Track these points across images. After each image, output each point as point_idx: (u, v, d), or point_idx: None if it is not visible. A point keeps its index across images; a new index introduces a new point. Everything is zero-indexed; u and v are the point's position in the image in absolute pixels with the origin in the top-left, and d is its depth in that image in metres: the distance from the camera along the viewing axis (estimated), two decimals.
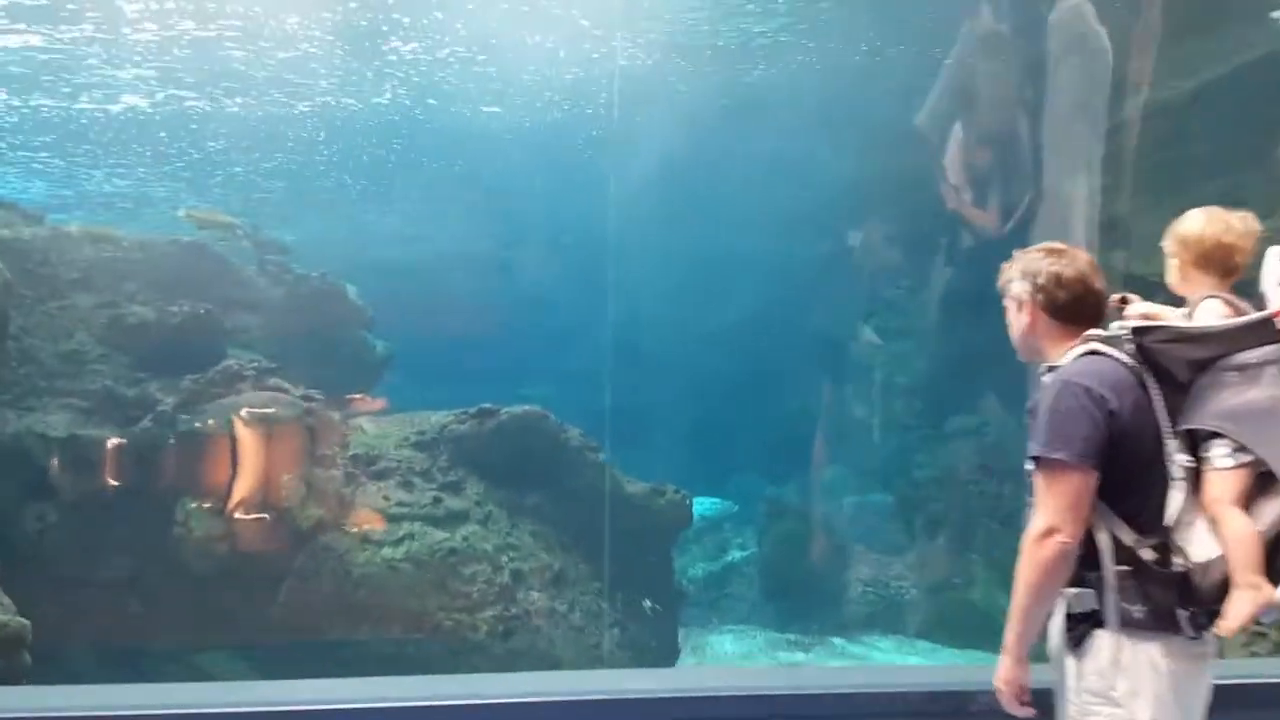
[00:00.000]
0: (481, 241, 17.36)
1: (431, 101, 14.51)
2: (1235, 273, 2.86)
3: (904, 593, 12.40)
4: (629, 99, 13.50)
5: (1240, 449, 2.63)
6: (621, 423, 11.19)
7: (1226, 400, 2.65)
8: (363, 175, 17.15)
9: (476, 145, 15.59)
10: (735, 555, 13.71)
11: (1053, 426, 2.55)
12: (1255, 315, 2.63)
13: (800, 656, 11.66)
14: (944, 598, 11.89)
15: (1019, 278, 2.78)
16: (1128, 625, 2.57)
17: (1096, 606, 2.60)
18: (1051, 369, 2.67)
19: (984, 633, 11.23)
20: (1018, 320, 2.80)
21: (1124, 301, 2.83)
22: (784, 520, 13.50)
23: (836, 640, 12.11)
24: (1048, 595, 2.63)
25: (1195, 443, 2.66)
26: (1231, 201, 8.89)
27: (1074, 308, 2.73)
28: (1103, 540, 2.59)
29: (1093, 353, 2.64)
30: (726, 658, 11.66)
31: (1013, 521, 11.39)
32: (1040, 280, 2.73)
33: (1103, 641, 2.61)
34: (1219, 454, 2.65)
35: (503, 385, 12.70)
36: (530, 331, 17.14)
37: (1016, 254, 2.86)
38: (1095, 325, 2.72)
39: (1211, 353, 2.65)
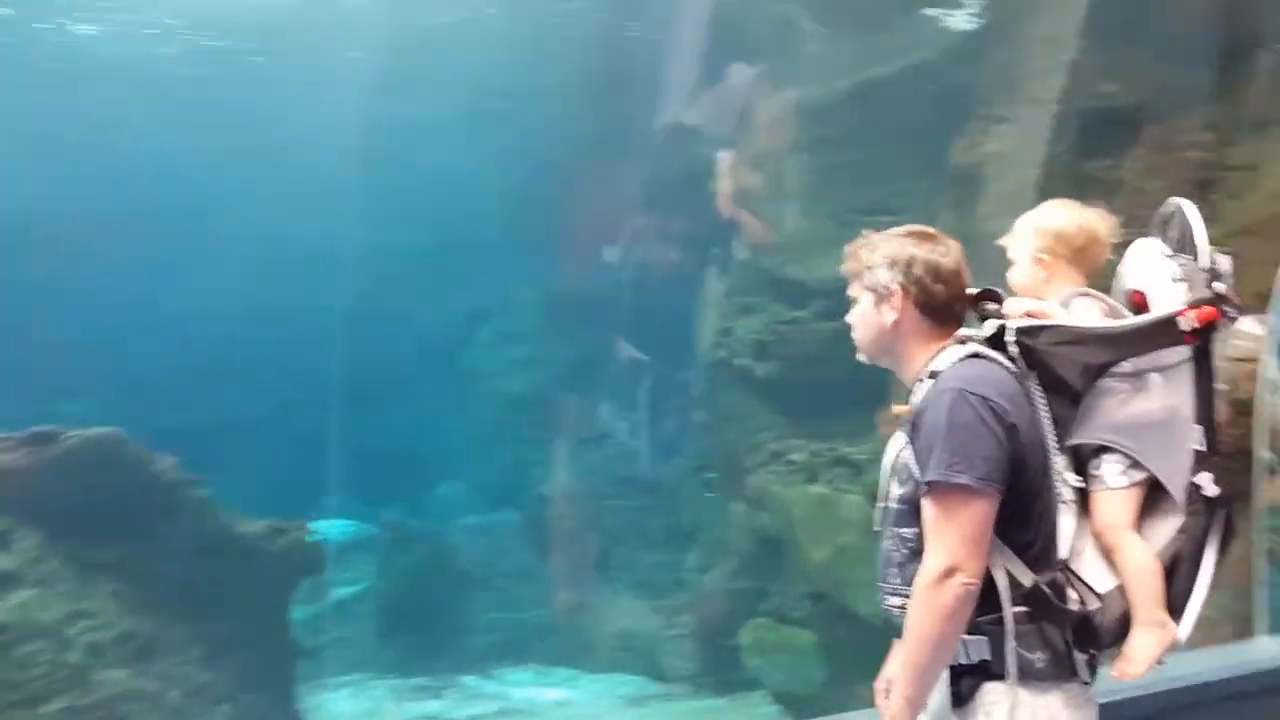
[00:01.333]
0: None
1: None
2: (1100, 272, 2.76)
3: (537, 619, 12.07)
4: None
5: (1134, 465, 2.49)
6: (201, 444, 9.65)
7: (1120, 411, 2.52)
8: None
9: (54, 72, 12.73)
10: (343, 592, 12.45)
11: (951, 444, 2.26)
12: (1159, 314, 2.50)
13: (433, 705, 10.93)
14: (582, 621, 11.78)
15: (883, 265, 2.46)
16: (1026, 676, 2.32)
17: (987, 656, 2.33)
18: (933, 375, 2.36)
19: (628, 655, 11.55)
20: (876, 314, 2.48)
21: (985, 298, 2.55)
22: (404, 548, 12.64)
23: (469, 680, 11.50)
24: (949, 648, 2.32)
25: (1080, 460, 2.50)
26: (886, 210, 9.68)
27: (949, 305, 2.45)
28: (1000, 579, 2.32)
29: (976, 356, 2.37)
30: (345, 719, 10.58)
31: (652, 537, 11.86)
32: (916, 270, 2.43)
33: (995, 696, 2.34)
34: (1112, 472, 2.50)
35: (22, 401, 10.27)
36: (66, 326, 14.17)
37: (873, 236, 2.56)
38: (960, 325, 2.47)
39: (1109, 357, 2.51)
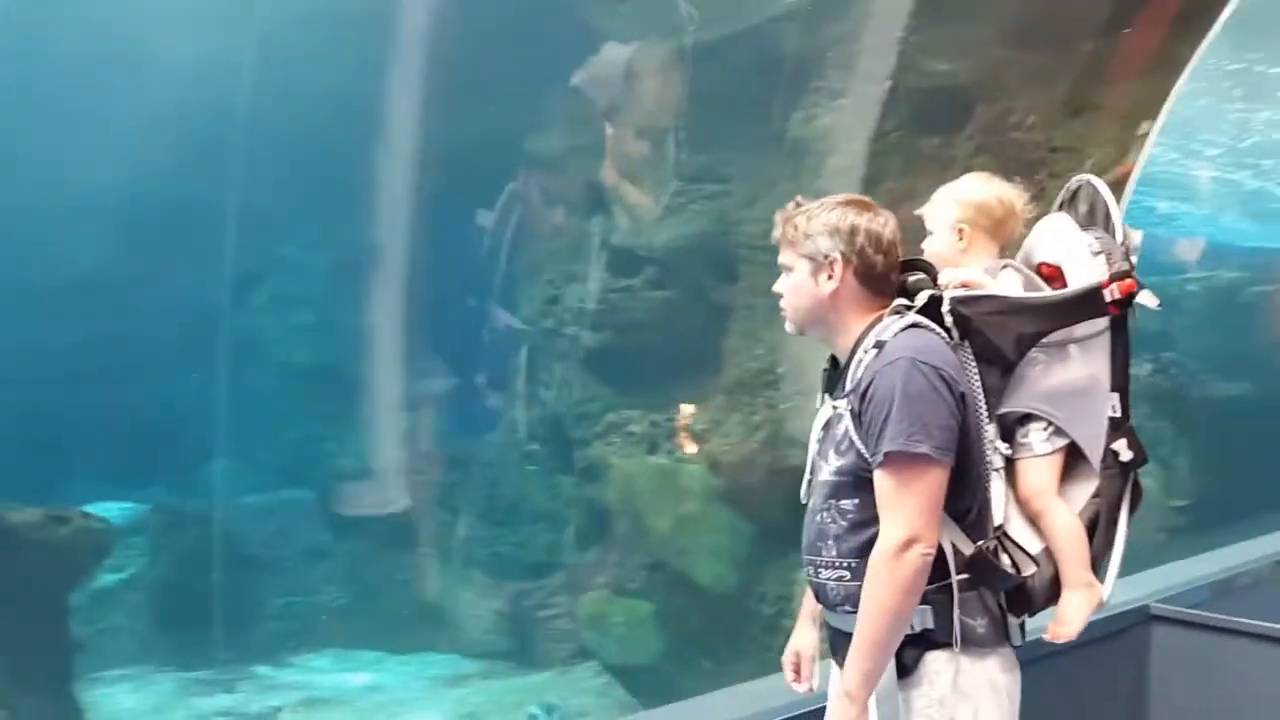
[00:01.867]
0: None
1: None
2: (1014, 245, 2.88)
3: (335, 601, 11.52)
4: None
5: (1057, 432, 2.59)
6: None
7: (1045, 380, 2.60)
8: None
9: None
10: (110, 579, 11.20)
11: (908, 414, 2.30)
12: (1086, 286, 2.60)
13: (225, 700, 10.15)
14: (387, 599, 11.34)
15: (823, 233, 2.46)
16: (968, 643, 2.42)
17: (930, 625, 2.40)
18: (878, 345, 2.39)
19: (440, 634, 11.21)
20: (812, 284, 2.48)
21: (912, 268, 2.61)
22: (177, 530, 11.62)
23: (262, 669, 10.78)
24: (907, 619, 2.36)
25: (1004, 428, 2.61)
26: (717, 178, 9.77)
27: (886, 275, 2.49)
28: (945, 547, 2.39)
29: (916, 326, 2.42)
30: (129, 716, 9.62)
31: (466, 512, 11.48)
32: (859, 240, 2.44)
33: (938, 665, 2.42)
34: (1038, 439, 2.60)
35: None
36: None
37: (806, 203, 2.56)
38: (894, 295, 2.51)
39: (1042, 327, 2.58)
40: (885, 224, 2.49)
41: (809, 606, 2.85)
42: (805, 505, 2.59)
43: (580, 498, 9.95)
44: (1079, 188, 2.87)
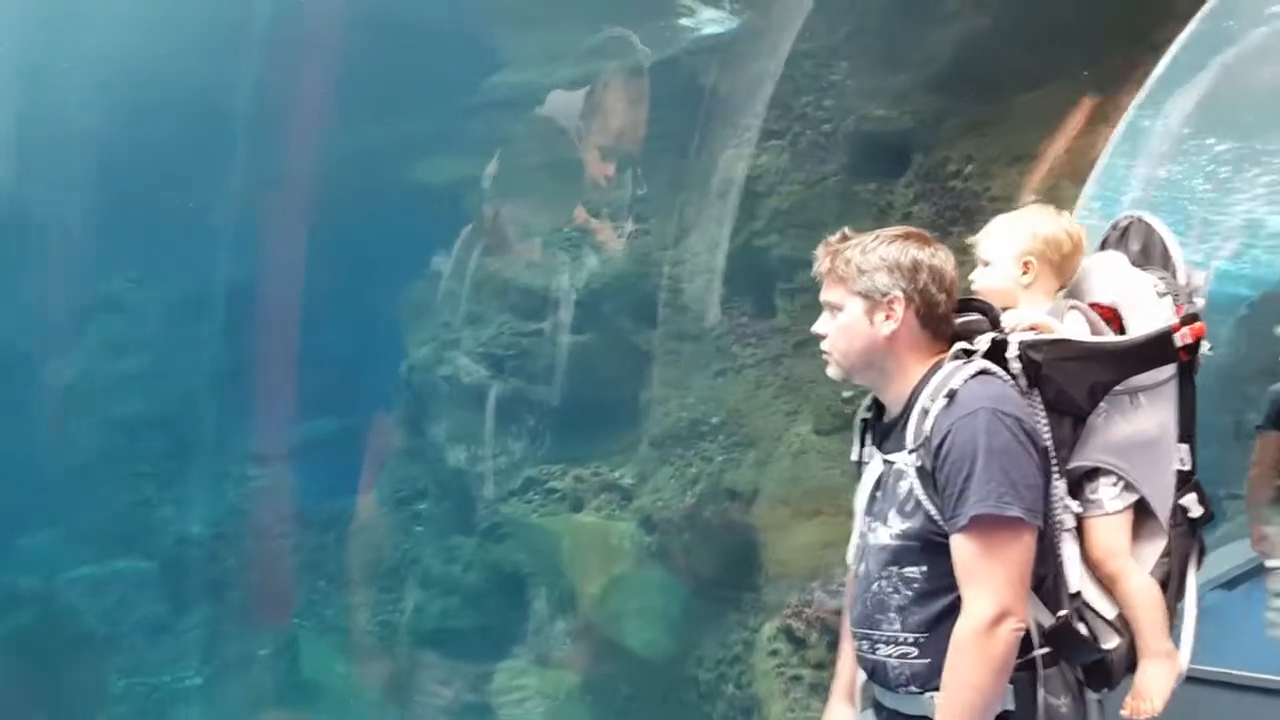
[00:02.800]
0: None
1: None
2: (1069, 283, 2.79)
3: (185, 679, 10.41)
4: None
5: (1127, 487, 2.48)
6: None
7: (1114, 431, 2.48)
8: None
9: None
10: None
11: (994, 472, 2.15)
12: (1157, 330, 2.49)
13: None
14: (246, 677, 10.34)
15: (881, 269, 2.31)
16: None
17: (1011, 706, 2.25)
18: (950, 394, 2.24)
19: (312, 703, 10.23)
20: (867, 324, 2.33)
21: (966, 308, 2.48)
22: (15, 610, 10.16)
23: None
24: (999, 699, 2.22)
25: (1070, 484, 2.49)
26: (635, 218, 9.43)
27: (948, 316, 2.37)
28: (1029, 620, 2.26)
29: (986, 373, 2.27)
30: None
31: (340, 578, 10.66)
32: (922, 277, 2.31)
33: None
34: (1108, 495, 2.47)
35: None
36: None
37: (860, 236, 2.40)
38: (952, 338, 2.41)
39: (1116, 375, 2.46)
40: (947, 260, 2.36)
41: (843, 683, 2.67)
42: (855, 572, 2.42)
43: (484, 560, 9.38)
44: (1129, 224, 2.80)
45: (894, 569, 2.27)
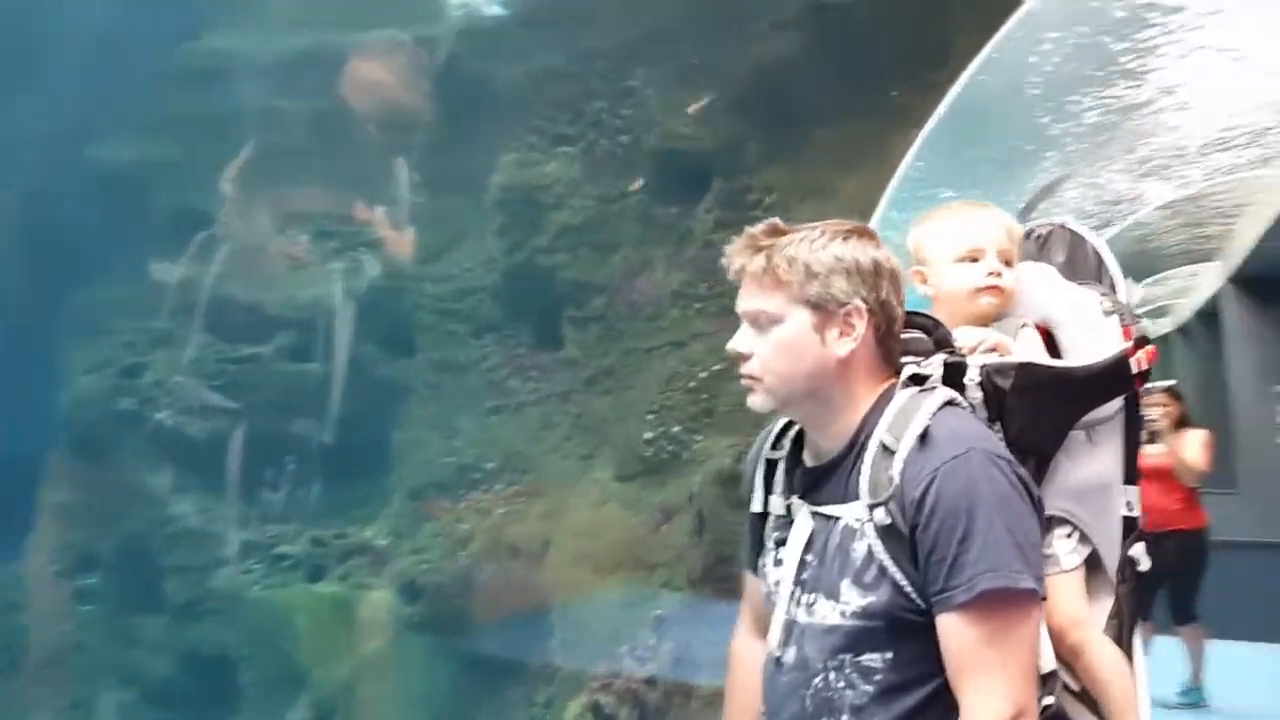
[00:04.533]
0: None
1: None
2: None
3: None
4: None
5: (1082, 539, 2.16)
6: None
7: (1074, 473, 2.18)
8: None
9: None
10: None
11: (1001, 533, 1.76)
12: (1116, 354, 2.16)
13: None
14: None
15: (838, 272, 1.86)
16: None
17: None
18: (923, 432, 1.85)
19: None
20: (817, 342, 1.87)
21: (909, 324, 2.08)
22: None
23: None
24: None
25: None
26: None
27: (901, 331, 1.96)
28: None
29: (952, 403, 1.90)
30: None
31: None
32: (883, 285, 1.89)
33: None
34: (1065, 548, 2.14)
35: None
36: None
37: (797, 229, 1.90)
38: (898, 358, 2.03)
39: (1082, 406, 2.16)
40: (898, 264, 1.96)
41: None
42: (775, 659, 1.94)
43: (178, 644, 7.67)
44: (1050, 232, 2.48)
45: (847, 657, 1.84)
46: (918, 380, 1.90)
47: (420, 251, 7.75)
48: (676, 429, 7.08)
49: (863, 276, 1.86)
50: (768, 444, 2.06)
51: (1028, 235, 2.42)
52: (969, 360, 2.00)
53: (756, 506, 2.05)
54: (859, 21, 7.11)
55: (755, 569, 2.08)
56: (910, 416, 1.84)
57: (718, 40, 7.34)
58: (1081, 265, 2.41)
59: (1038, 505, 1.83)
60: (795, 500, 1.96)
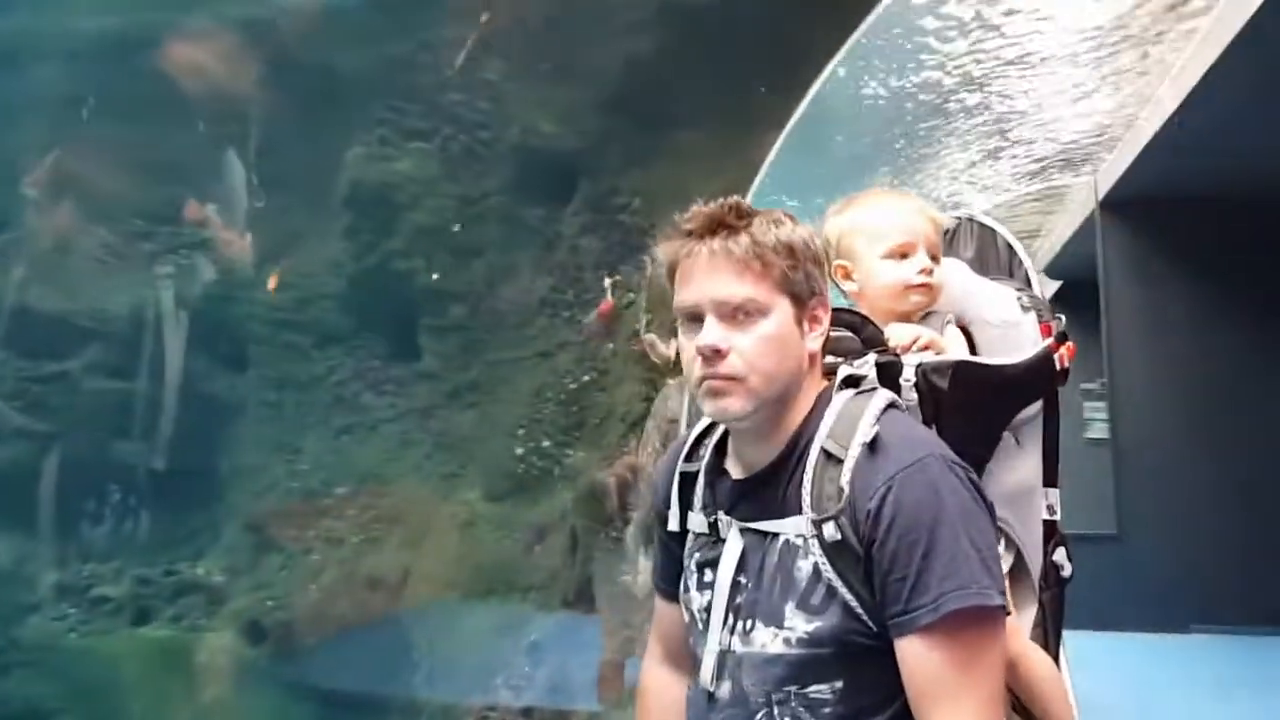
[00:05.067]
0: None
1: None
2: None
3: None
4: None
5: (1008, 544, 2.07)
6: None
7: (1003, 477, 2.08)
8: None
9: None
10: None
11: (968, 547, 1.61)
12: (1041, 350, 2.09)
13: None
14: None
15: (809, 259, 1.71)
16: None
17: None
18: (872, 444, 1.70)
19: None
20: (797, 337, 1.70)
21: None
22: None
23: None
24: None
25: None
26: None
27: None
28: None
29: (894, 406, 1.76)
30: None
31: None
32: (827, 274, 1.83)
33: None
34: None
35: None
36: None
37: (758, 216, 1.71)
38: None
39: (1016, 405, 2.08)
40: None
41: None
42: (706, 694, 1.77)
43: None
44: (957, 226, 2.42)
45: (791, 689, 1.68)
46: (853, 382, 1.76)
47: (257, 253, 7.08)
48: (547, 444, 6.78)
49: (821, 266, 1.73)
50: (681, 454, 1.89)
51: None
52: (904, 360, 1.88)
53: (673, 524, 1.87)
54: (721, 20, 7.01)
55: (671, 594, 1.91)
56: (854, 421, 1.69)
57: (578, 36, 7.06)
58: (991, 260, 2.35)
59: (993, 514, 1.69)
60: (722, 517, 1.78)
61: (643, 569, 6.49)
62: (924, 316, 2.16)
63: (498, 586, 6.45)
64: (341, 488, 6.83)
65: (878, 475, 1.64)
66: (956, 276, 2.24)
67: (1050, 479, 2.17)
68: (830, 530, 1.65)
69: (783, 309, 1.69)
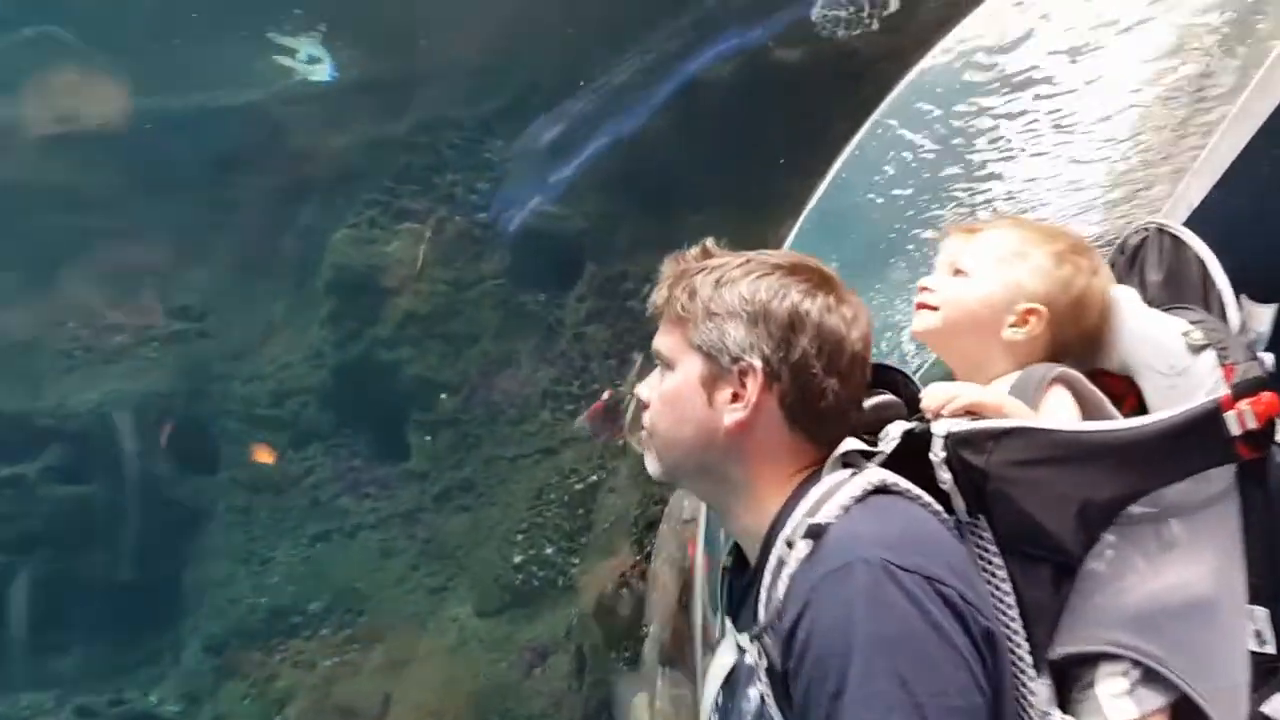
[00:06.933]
0: None
1: None
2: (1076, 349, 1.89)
3: None
4: None
5: (1150, 679, 1.53)
6: None
7: (1137, 586, 1.56)
8: None
9: None
10: None
11: (884, 683, 1.33)
12: (1195, 408, 1.57)
13: None
14: None
15: (738, 316, 1.53)
16: None
17: None
18: (813, 533, 1.45)
19: None
20: (702, 401, 1.53)
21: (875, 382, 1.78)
22: None
23: None
24: None
25: (1055, 678, 1.58)
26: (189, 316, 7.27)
27: (841, 412, 1.54)
28: None
29: (883, 490, 1.48)
30: None
31: None
32: (800, 342, 1.50)
33: None
34: (1112, 691, 1.53)
35: None
36: None
37: (721, 256, 1.62)
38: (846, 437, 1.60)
39: (1124, 487, 1.57)
40: (854, 319, 1.56)
41: None
42: None
43: None
44: (1144, 240, 1.95)
45: None
46: (856, 458, 1.52)
47: (226, 348, 6.68)
48: (549, 551, 6.31)
49: (770, 327, 1.51)
50: (725, 551, 1.74)
51: (1119, 249, 1.93)
52: (932, 429, 1.53)
53: (716, 633, 1.60)
54: (734, 102, 6.86)
55: None
56: (818, 509, 1.45)
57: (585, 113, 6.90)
58: (1186, 283, 1.87)
59: (984, 642, 1.37)
60: (729, 624, 1.65)
61: (661, 693, 5.99)
62: (1027, 370, 1.72)
63: (492, 717, 5.87)
64: (314, 603, 6.29)
65: (802, 584, 1.40)
66: (1125, 310, 1.80)
67: (1263, 593, 1.60)
68: (773, 646, 1.41)
69: (689, 366, 1.55)
